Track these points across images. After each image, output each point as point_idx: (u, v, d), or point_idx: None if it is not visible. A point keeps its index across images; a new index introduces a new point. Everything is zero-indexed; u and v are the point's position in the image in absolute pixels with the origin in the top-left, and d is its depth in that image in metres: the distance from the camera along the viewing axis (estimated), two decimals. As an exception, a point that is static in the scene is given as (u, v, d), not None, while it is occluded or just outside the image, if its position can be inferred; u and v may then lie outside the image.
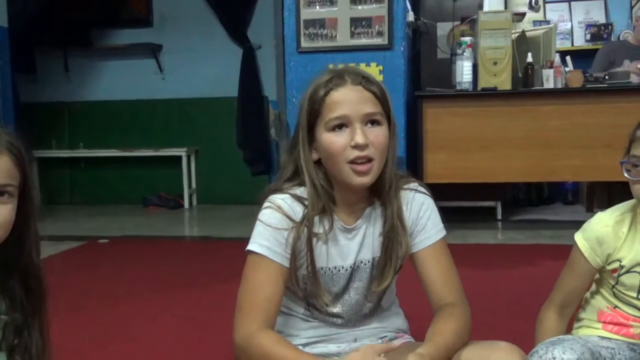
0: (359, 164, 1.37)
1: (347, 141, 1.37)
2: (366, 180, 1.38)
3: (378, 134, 1.38)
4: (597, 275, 1.61)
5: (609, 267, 1.53)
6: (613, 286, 1.55)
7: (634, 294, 1.52)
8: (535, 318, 1.63)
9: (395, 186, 1.46)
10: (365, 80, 1.40)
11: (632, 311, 1.53)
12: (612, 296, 1.56)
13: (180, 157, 6.23)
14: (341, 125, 1.38)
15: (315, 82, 1.43)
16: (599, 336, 1.52)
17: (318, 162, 1.44)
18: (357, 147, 1.36)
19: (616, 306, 1.55)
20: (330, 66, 4.16)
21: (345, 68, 1.45)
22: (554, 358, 1.38)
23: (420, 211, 1.49)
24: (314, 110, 1.40)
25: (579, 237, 1.55)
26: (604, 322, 1.55)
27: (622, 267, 1.51)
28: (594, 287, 1.62)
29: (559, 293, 1.60)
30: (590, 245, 1.52)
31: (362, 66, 4.10)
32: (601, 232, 1.51)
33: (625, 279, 1.52)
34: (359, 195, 1.46)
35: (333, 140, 1.38)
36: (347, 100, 1.38)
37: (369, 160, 1.37)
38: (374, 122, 1.38)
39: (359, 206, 1.47)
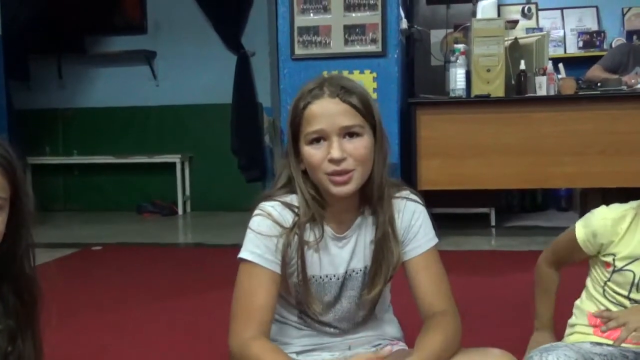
0: (336, 176, 1.36)
1: (324, 155, 1.36)
2: (345, 190, 1.38)
3: (357, 146, 1.37)
4: (588, 279, 1.62)
5: (604, 259, 1.56)
6: (605, 283, 1.56)
7: (625, 292, 1.53)
8: (529, 325, 1.64)
9: (387, 194, 1.45)
10: (343, 92, 1.38)
11: None
12: (602, 296, 1.57)
13: (174, 164, 6.23)
14: (319, 138, 1.37)
15: (300, 92, 1.43)
16: (591, 342, 1.53)
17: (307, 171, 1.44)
18: (332, 161, 1.35)
19: (606, 309, 1.56)
20: (324, 73, 4.18)
21: (329, 78, 1.43)
22: None
23: (412, 219, 1.48)
24: (295, 123, 1.41)
25: (578, 226, 1.60)
26: (595, 326, 1.56)
27: (615, 261, 1.53)
28: (584, 293, 1.64)
29: (554, 254, 1.72)
30: (586, 236, 1.57)
31: (356, 73, 4.11)
32: (599, 224, 1.55)
33: (618, 276, 1.53)
34: (348, 204, 1.45)
35: (311, 153, 1.38)
36: (323, 113, 1.36)
37: (347, 172, 1.36)
38: (352, 134, 1.37)
39: (349, 215, 1.47)
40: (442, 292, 1.46)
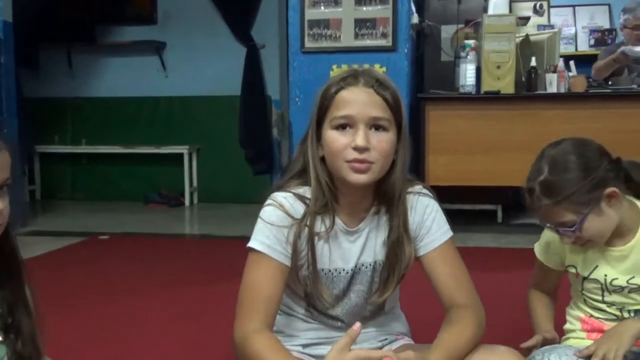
0: (356, 163, 1.35)
1: (348, 141, 1.35)
2: (363, 178, 1.36)
3: (381, 140, 1.36)
4: (571, 289, 1.63)
5: (570, 270, 1.58)
6: (581, 291, 1.57)
7: (599, 297, 1.54)
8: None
9: (403, 195, 1.44)
10: (378, 84, 1.38)
11: (602, 315, 1.55)
12: (584, 304, 1.59)
13: (182, 155, 6.24)
14: (345, 124, 1.36)
15: (332, 78, 1.42)
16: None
17: (324, 159, 1.42)
18: (356, 149, 1.34)
19: (591, 315, 1.58)
20: (334, 67, 4.17)
21: (364, 69, 1.43)
22: None
23: (424, 214, 1.48)
24: (323, 106, 1.39)
25: (535, 244, 1.65)
26: (588, 331, 1.57)
27: (577, 271, 1.55)
28: (571, 299, 1.65)
29: (538, 284, 1.72)
30: (541, 249, 1.62)
31: (366, 67, 4.10)
32: (548, 235, 1.59)
33: (588, 283, 1.55)
34: (361, 196, 1.44)
35: (335, 138, 1.37)
36: (355, 100, 1.36)
37: (368, 162, 1.35)
38: (379, 127, 1.36)
39: (362, 208, 1.46)
40: (463, 285, 1.45)
